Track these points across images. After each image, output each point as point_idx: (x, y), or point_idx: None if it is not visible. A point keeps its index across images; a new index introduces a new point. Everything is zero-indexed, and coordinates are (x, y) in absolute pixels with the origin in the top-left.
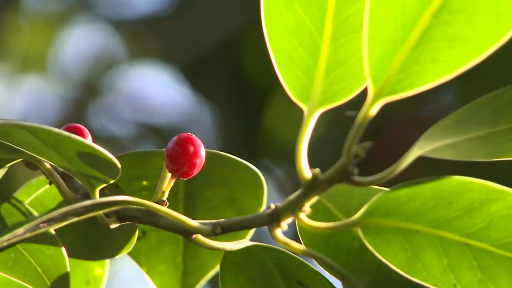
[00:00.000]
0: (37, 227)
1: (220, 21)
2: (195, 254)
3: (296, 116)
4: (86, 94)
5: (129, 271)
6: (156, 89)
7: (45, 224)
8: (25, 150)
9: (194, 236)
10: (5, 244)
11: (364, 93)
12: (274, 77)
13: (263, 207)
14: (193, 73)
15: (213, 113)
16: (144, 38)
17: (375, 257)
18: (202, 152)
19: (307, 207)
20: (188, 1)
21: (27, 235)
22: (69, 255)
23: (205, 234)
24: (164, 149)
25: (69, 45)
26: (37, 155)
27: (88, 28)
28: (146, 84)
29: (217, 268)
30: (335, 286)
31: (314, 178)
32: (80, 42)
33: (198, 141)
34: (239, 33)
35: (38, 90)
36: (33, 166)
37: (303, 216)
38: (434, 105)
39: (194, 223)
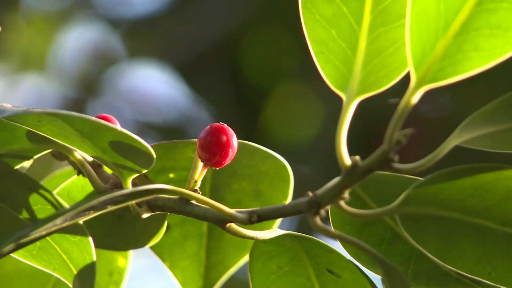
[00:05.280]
0: (75, 216)
1: (218, 20)
2: (218, 249)
3: (294, 115)
4: (85, 93)
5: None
6: (154, 87)
7: (84, 213)
8: (57, 140)
9: (227, 225)
10: (44, 233)
11: (400, 83)
12: (272, 76)
13: (289, 201)
14: (191, 71)
15: (210, 111)
16: (143, 37)
17: (406, 247)
18: (235, 141)
19: (346, 194)
20: (186, 0)
21: (66, 223)
22: (95, 245)
23: (241, 223)
24: (193, 139)
25: (68, 44)
26: (70, 145)
27: (87, 27)
28: (144, 83)
29: (239, 264)
30: (367, 274)
31: (354, 165)
32: (79, 41)
33: (231, 131)
34: (237, 32)
35: (38, 89)
36: (60, 156)
37: (342, 203)
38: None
39: (230, 211)
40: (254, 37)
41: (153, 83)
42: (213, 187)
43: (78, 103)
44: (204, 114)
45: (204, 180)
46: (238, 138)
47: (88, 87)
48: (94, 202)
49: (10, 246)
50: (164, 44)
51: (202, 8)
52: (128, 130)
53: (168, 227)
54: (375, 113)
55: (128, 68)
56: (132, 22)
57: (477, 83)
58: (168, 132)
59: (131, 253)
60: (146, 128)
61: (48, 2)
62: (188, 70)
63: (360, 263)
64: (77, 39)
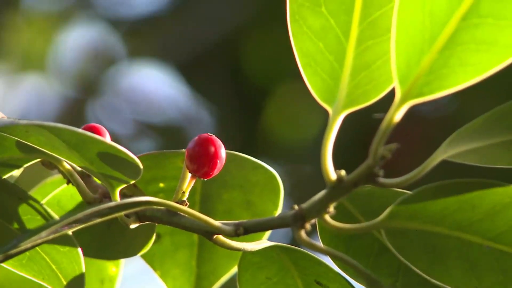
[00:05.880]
0: (61, 228)
1: (219, 20)
2: (209, 258)
3: (294, 115)
4: (85, 93)
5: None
6: (154, 87)
7: (70, 225)
8: (45, 150)
9: (215, 236)
10: (29, 245)
11: (388, 96)
12: (272, 76)
13: (279, 211)
14: (192, 71)
15: (211, 111)
16: (143, 37)
17: (394, 260)
18: (223, 152)
19: (331, 208)
20: (186, 0)
21: (51, 236)
22: (85, 254)
23: (227, 235)
24: (183, 149)
25: (68, 44)
26: (58, 155)
27: (87, 27)
28: (145, 83)
29: (230, 273)
30: (354, 286)
31: (339, 180)
32: (79, 41)
33: (219, 142)
34: (238, 32)
35: (38, 89)
36: (50, 165)
37: (327, 217)
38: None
39: (217, 223)
40: (254, 37)
41: (153, 83)
42: (203, 197)
43: (78, 103)
44: (204, 114)
45: (194, 190)
46: (239, 139)
47: (88, 87)
48: (80, 215)
49: None
50: (165, 44)
51: (202, 8)
52: (128, 130)
53: (158, 236)
54: (366, 125)
55: (128, 68)
56: (132, 22)
57: (478, 89)
58: (168, 132)
59: (123, 260)
60: (146, 128)
61: (48, 2)
62: (188, 70)
63: (348, 275)
64: (77, 39)
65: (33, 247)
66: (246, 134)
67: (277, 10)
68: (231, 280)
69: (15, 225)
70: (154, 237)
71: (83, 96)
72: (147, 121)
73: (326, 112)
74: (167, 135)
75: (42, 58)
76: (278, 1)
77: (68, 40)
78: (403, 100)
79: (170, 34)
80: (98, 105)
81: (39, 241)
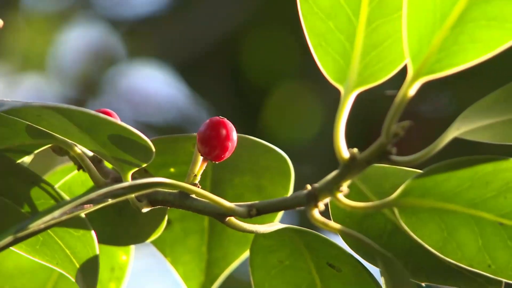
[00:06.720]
0: (75, 208)
1: (218, 20)
2: (219, 244)
3: (294, 115)
4: (85, 93)
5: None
6: (154, 87)
7: (84, 205)
8: (56, 135)
9: (227, 218)
10: (42, 226)
11: (398, 75)
12: (272, 76)
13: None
14: (191, 72)
15: (210, 111)
16: (143, 37)
17: (406, 240)
18: (234, 135)
19: (345, 187)
20: (186, 0)
21: (64, 217)
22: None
23: (240, 216)
24: (194, 133)
25: (68, 44)
26: (70, 139)
27: (87, 27)
28: (144, 83)
29: (240, 259)
30: (367, 267)
31: (352, 158)
32: (79, 41)
33: (230, 125)
34: (237, 32)
35: (38, 89)
36: (60, 151)
37: (340, 196)
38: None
39: (230, 204)
40: (254, 37)
41: (153, 83)
42: (213, 182)
43: (78, 103)
44: (204, 114)
45: (204, 175)
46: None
47: (88, 87)
48: (93, 195)
49: (9, 239)
50: (164, 44)
51: (202, 8)
52: None
53: (169, 222)
54: (375, 106)
55: (128, 68)
56: (132, 22)
57: (480, 80)
58: (168, 132)
59: (133, 248)
60: (146, 128)
61: (48, 2)
62: (188, 70)
63: (360, 256)
64: (77, 39)
65: (47, 228)
66: (246, 134)
67: (277, 10)
68: (230, 279)
69: (27, 209)
70: (165, 222)
71: (83, 96)
72: (147, 121)
73: (326, 112)
74: (167, 135)
75: (42, 58)
76: (278, 1)
77: (68, 40)
78: (416, 77)
79: (170, 34)
80: (98, 105)
81: (52, 222)
